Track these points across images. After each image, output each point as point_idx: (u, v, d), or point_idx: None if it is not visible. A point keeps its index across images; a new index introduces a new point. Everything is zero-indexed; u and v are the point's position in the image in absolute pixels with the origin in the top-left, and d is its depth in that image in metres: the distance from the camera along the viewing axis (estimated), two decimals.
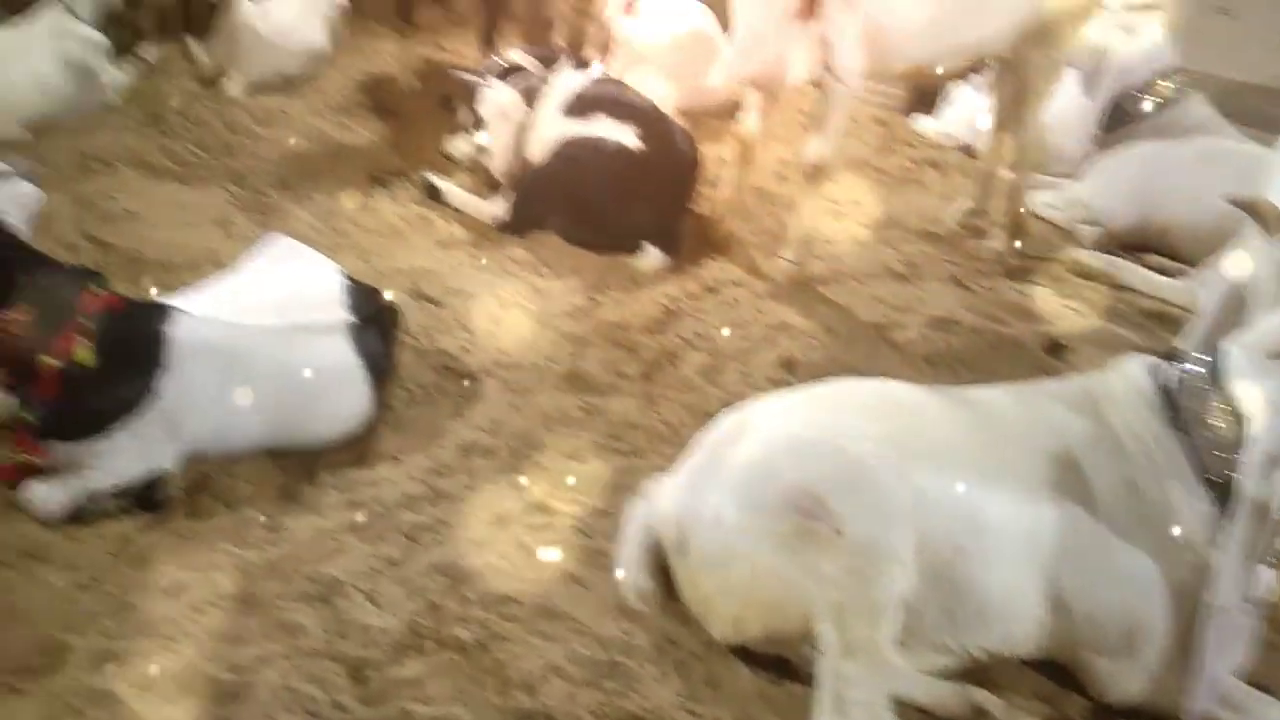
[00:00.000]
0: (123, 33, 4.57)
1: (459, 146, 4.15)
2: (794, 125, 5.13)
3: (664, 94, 4.61)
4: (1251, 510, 1.86)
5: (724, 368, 3.13)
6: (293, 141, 4.20)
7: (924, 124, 5.44)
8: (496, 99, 3.86)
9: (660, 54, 4.86)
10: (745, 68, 3.35)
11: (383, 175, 4.06)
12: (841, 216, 4.32)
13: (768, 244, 3.90)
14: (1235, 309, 2.41)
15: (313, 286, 2.62)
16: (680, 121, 4.65)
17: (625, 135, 3.64)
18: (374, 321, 2.65)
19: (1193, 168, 4.14)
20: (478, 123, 3.92)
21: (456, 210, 3.83)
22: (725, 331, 3.27)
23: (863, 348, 3.31)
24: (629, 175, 3.61)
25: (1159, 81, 4.37)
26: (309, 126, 4.38)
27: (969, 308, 3.65)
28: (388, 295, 2.87)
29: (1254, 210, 2.35)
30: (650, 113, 3.78)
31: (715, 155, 4.44)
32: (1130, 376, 2.15)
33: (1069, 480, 2.05)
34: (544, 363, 3.02)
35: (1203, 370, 2.04)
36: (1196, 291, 3.54)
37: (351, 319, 2.57)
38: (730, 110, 4.33)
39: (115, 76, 4.27)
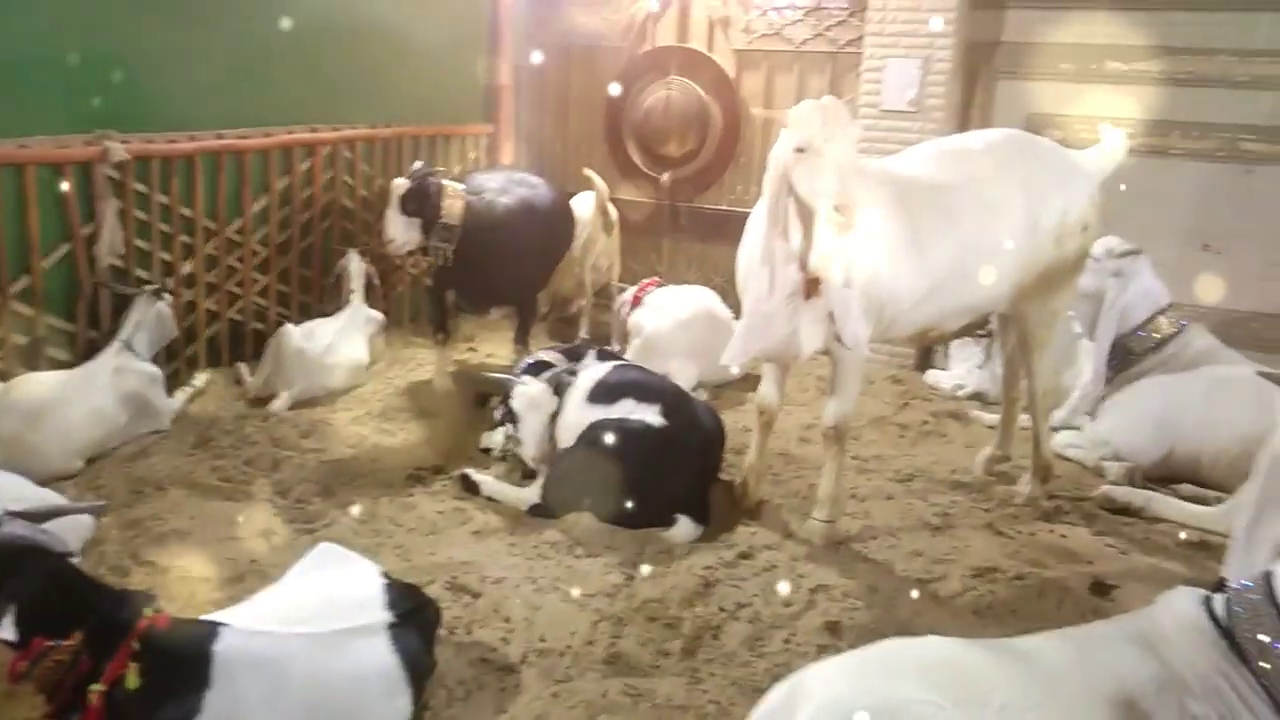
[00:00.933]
0: (177, 363, 4.96)
1: (494, 440, 4.34)
2: (813, 390, 5.35)
3: (683, 373, 4.86)
4: None
5: (768, 637, 3.08)
6: (335, 450, 4.40)
7: (937, 377, 5.63)
8: (527, 393, 4.07)
9: (671, 339, 5.17)
10: (754, 347, 3.53)
11: (421, 474, 4.20)
12: (868, 473, 4.40)
13: (799, 506, 3.95)
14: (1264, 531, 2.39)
15: (353, 589, 2.66)
16: (703, 396, 4.90)
17: (649, 414, 3.80)
18: (413, 619, 2.67)
19: (1207, 395, 4.24)
20: (510, 416, 4.12)
21: (492, 501, 3.94)
22: (765, 599, 3.25)
23: (907, 604, 3.26)
24: (655, 451, 3.73)
25: (1158, 318, 4.57)
26: (351, 434, 4.60)
27: (1009, 554, 3.62)
28: (426, 591, 2.91)
29: None
30: (671, 392, 3.96)
31: (739, 424, 4.62)
32: (1179, 611, 2.09)
33: None
34: (583, 647, 2.98)
35: (1256, 597, 1.99)
36: (1231, 517, 3.50)
37: (391, 618, 2.59)
38: (751, 382, 4.54)
39: (169, 403, 4.55)
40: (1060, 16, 5.70)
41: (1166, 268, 4.76)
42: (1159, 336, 4.53)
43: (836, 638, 3.06)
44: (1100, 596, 3.27)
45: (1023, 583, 3.40)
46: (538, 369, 4.25)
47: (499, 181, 5.17)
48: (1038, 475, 4.08)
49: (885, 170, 3.72)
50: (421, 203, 4.80)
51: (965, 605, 3.28)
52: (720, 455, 4.13)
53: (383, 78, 5.91)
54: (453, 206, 4.85)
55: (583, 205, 6.05)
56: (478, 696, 2.77)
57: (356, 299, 5.45)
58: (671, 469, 3.75)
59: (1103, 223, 3.99)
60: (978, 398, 5.34)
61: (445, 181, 4.93)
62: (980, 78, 5.98)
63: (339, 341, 5.15)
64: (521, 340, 5.35)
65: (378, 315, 5.51)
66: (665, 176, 6.87)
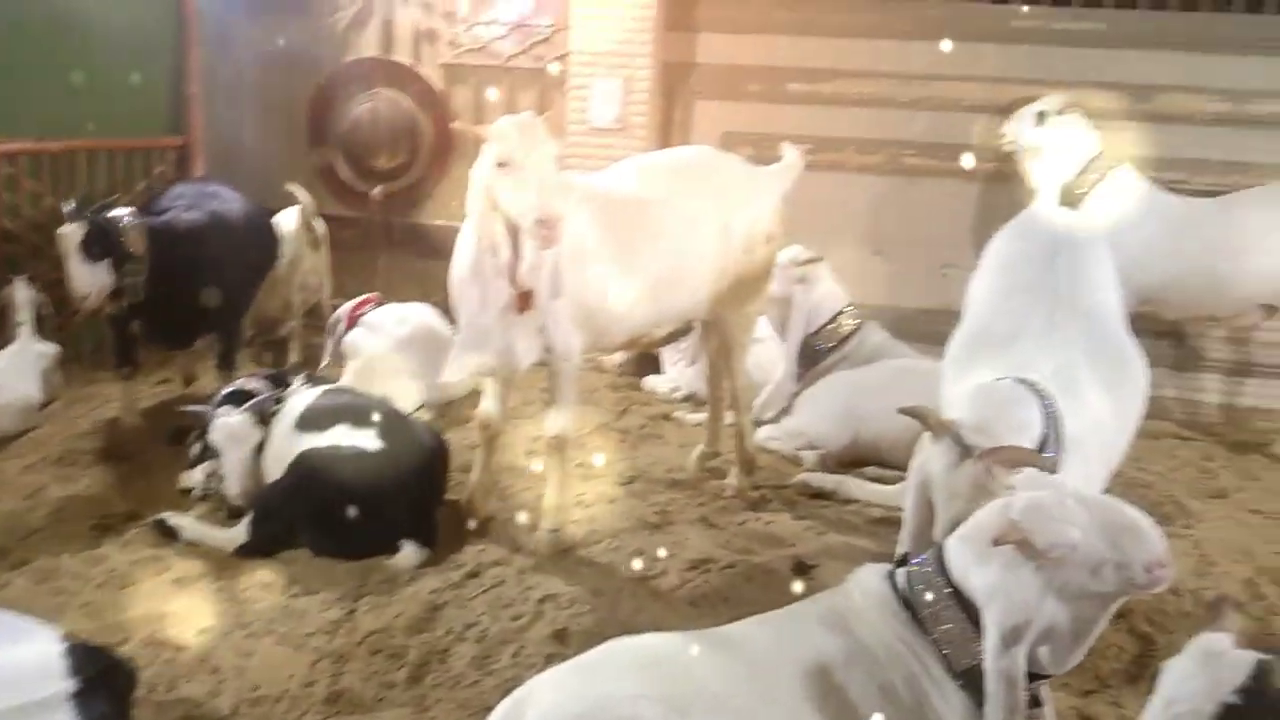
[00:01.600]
0: None
1: (193, 479, 4.04)
2: (538, 403, 5.40)
3: (406, 395, 4.76)
4: (1002, 687, 2.02)
5: (496, 654, 3.08)
6: (7, 503, 3.92)
7: (653, 382, 5.88)
8: (227, 425, 3.82)
9: (392, 360, 5.04)
10: (471, 362, 3.54)
11: (110, 522, 3.83)
12: (593, 479, 4.51)
13: (527, 519, 3.98)
14: (926, 507, 2.70)
15: (25, 659, 2.38)
16: (427, 417, 4.81)
17: (364, 439, 3.69)
18: (101, 684, 2.42)
19: (884, 385, 4.71)
20: (209, 452, 3.85)
21: (195, 545, 3.66)
22: (493, 616, 3.25)
23: (629, 603, 3.38)
24: (373, 477, 3.62)
25: (839, 318, 5.06)
26: (25, 484, 4.12)
27: (721, 545, 3.84)
28: (119, 650, 2.66)
29: (920, 417, 2.70)
30: (387, 414, 3.86)
31: (465, 442, 4.59)
32: (866, 586, 2.31)
33: (829, 698, 2.14)
34: (302, 690, 2.85)
35: (929, 569, 2.23)
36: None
37: (74, 687, 2.34)
38: (472, 398, 4.52)
39: None
40: (747, 40, 6.14)
41: (844, 272, 5.26)
42: (841, 335, 5.02)
43: (564, 645, 3.11)
44: (801, 576, 3.54)
45: (734, 570, 3.62)
46: (238, 399, 3.98)
47: (186, 198, 4.81)
48: (743, 468, 4.36)
49: (590, 186, 3.84)
50: (106, 242, 4.28)
51: (683, 598, 3.45)
52: (444, 475, 4.07)
53: (50, 82, 5.32)
54: (134, 234, 4.41)
55: (287, 221, 5.77)
56: None
57: (26, 331, 4.87)
58: (392, 494, 3.65)
59: (786, 233, 4.34)
60: (692, 399, 5.63)
61: (120, 209, 4.48)
62: (679, 97, 6.32)
63: (6, 380, 4.60)
64: (226, 367, 4.98)
65: (51, 349, 4.95)
66: (377, 190, 6.70)
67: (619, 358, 5.93)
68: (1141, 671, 3.06)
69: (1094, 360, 2.99)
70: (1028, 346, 2.97)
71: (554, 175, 3.28)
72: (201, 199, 4.84)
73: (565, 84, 6.13)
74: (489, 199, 3.33)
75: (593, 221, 3.65)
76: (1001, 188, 5.70)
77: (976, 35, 5.87)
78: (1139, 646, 3.19)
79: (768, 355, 5.14)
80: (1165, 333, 5.92)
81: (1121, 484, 3.42)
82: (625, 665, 2.21)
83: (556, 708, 2.08)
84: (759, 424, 4.84)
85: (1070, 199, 5.42)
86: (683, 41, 6.20)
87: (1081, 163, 5.40)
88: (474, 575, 3.55)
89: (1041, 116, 5.46)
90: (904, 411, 2.73)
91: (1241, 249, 5.11)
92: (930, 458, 2.61)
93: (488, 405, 3.90)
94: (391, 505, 3.63)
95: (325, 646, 3.05)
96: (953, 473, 2.54)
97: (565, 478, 3.85)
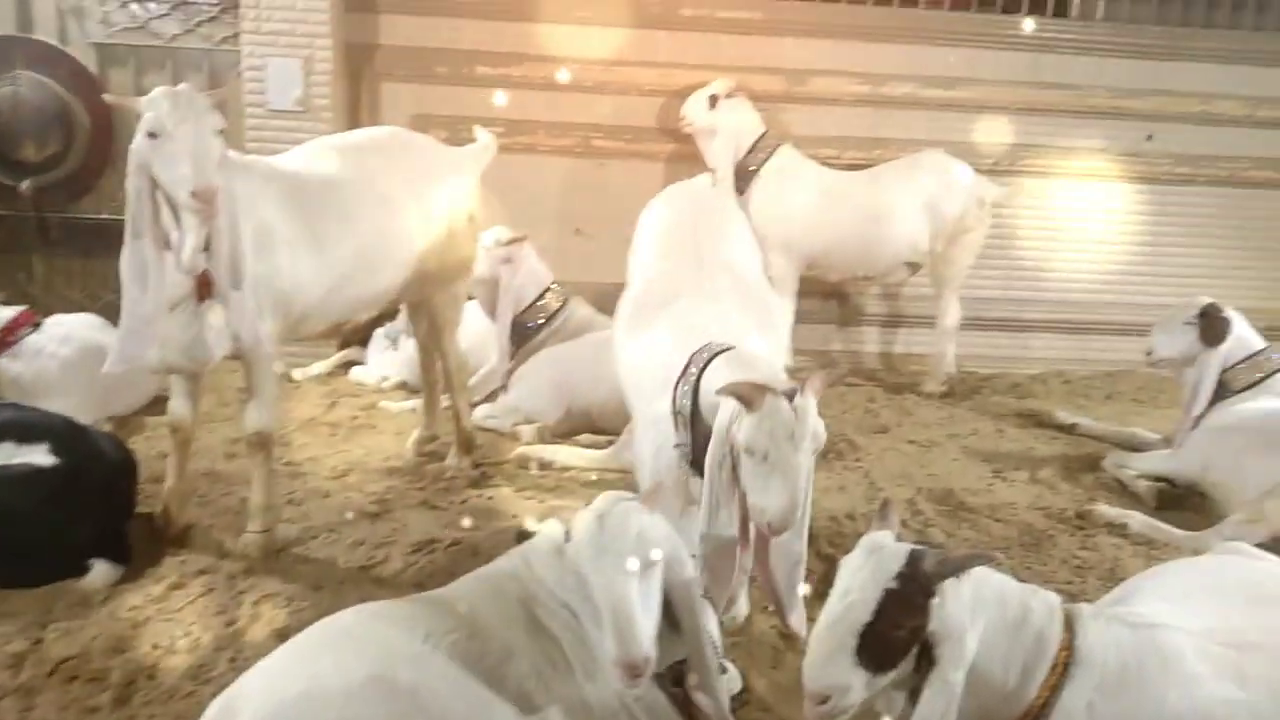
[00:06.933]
0: None
1: None
2: (235, 404, 5.11)
3: (83, 413, 4.30)
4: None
5: (212, 661, 2.92)
6: None
7: (361, 372, 5.76)
8: None
9: (60, 384, 4.54)
10: (136, 352, 3.25)
11: None
12: (302, 475, 4.35)
13: (231, 523, 3.78)
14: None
15: None
16: (105, 426, 4.41)
17: (36, 455, 3.33)
18: None
19: (592, 358, 4.91)
20: None
21: None
22: (205, 624, 3.08)
23: (354, 593, 3.31)
24: (51, 495, 3.28)
25: (546, 295, 5.21)
26: None
27: (444, 525, 3.86)
28: None
29: (737, 394, 2.53)
30: (61, 426, 3.50)
31: (155, 451, 4.26)
32: (547, 534, 2.46)
33: (536, 636, 2.27)
34: None
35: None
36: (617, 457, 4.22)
37: None
38: (160, 403, 4.20)
39: None
40: (431, 23, 6.11)
41: (547, 251, 5.42)
42: (549, 312, 5.17)
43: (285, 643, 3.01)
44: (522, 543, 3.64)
45: (458, 548, 3.66)
46: None
47: None
48: (462, 448, 4.40)
49: (274, 167, 3.69)
50: None
51: (408, 580, 3.44)
52: (133, 487, 3.75)
53: None
54: None
55: None
56: None
57: None
58: (74, 511, 3.33)
59: (487, 214, 4.41)
60: (404, 386, 5.56)
61: None
62: (365, 79, 6.17)
63: None
64: None
65: None
66: (25, 184, 5.99)
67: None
68: (829, 588, 3.44)
69: (744, 308, 3.28)
70: (687, 303, 3.22)
71: (212, 147, 3.13)
72: None
73: (239, 65, 5.79)
74: (146, 175, 3.12)
75: (280, 203, 3.51)
76: (684, 167, 6.08)
77: (650, 23, 6.22)
78: (825, 566, 3.58)
79: (479, 336, 5.20)
80: (831, 293, 6.64)
81: None
82: (333, 640, 2.21)
83: (271, 694, 2.05)
84: (475, 404, 4.88)
85: (743, 176, 5.92)
86: (365, 23, 6.06)
87: (750, 142, 5.91)
88: (178, 587, 3.33)
89: (713, 100, 5.90)
90: (721, 392, 2.59)
91: (887, 215, 5.83)
92: (751, 425, 2.49)
93: (177, 406, 3.63)
94: (75, 522, 3.31)
95: (9, 683, 2.74)
96: (784, 420, 2.46)
97: (271, 476, 3.68)
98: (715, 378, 2.74)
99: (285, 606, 3.22)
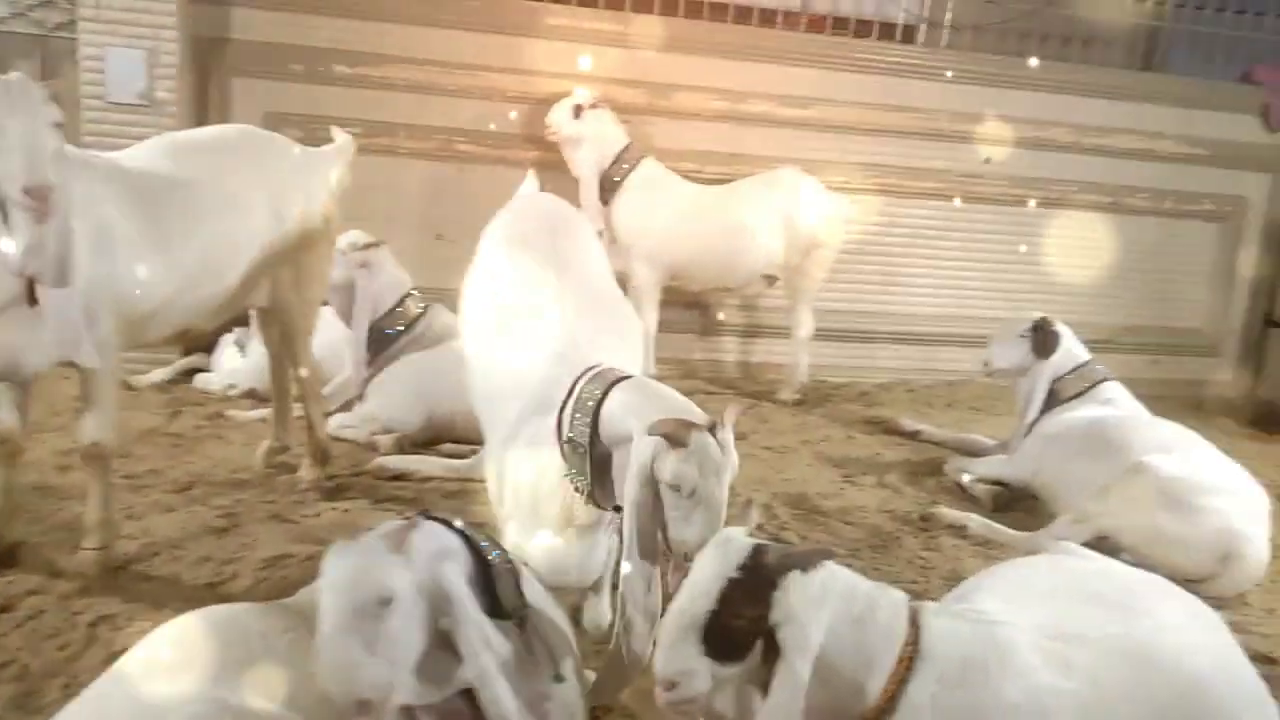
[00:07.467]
0: None
1: None
2: (68, 413, 4.80)
3: None
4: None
5: (42, 689, 2.74)
6: None
7: (206, 380, 5.50)
8: None
9: None
10: None
11: None
12: (144, 489, 4.13)
13: (64, 540, 3.55)
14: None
15: None
16: None
17: None
18: None
19: (454, 366, 4.83)
20: None
21: None
22: (33, 650, 2.88)
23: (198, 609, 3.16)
24: None
25: (405, 302, 5.09)
26: None
27: (296, 539, 3.73)
28: None
29: (669, 437, 2.50)
30: None
31: None
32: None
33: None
34: None
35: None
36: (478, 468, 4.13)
37: None
38: None
39: None
40: (286, 18, 5.90)
41: (407, 256, 5.30)
42: (409, 318, 5.05)
43: None
44: None
45: (313, 562, 3.48)
46: None
47: None
48: (316, 459, 4.25)
49: (114, 163, 3.49)
50: None
51: (259, 597, 3.26)
52: None
53: None
54: None
55: None
56: None
57: None
58: None
59: (343, 217, 4.28)
60: (253, 394, 5.34)
61: None
62: (214, 74, 5.91)
63: None
64: None
65: None
66: None
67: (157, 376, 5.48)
68: None
69: (607, 320, 3.26)
70: (552, 314, 3.10)
71: (48, 141, 2.94)
72: None
73: (75, 54, 5.45)
74: None
75: (119, 202, 3.31)
76: (548, 175, 6.05)
77: (515, 30, 6.20)
78: None
79: (334, 343, 5.04)
80: (692, 304, 6.76)
81: None
82: (163, 657, 2.10)
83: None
84: (330, 413, 4.73)
85: (608, 187, 5.97)
86: (215, 15, 5.80)
87: (614, 152, 5.96)
88: (5, 609, 3.11)
89: (578, 110, 5.93)
90: (652, 433, 2.52)
91: (746, 229, 5.99)
92: (678, 462, 2.48)
93: (4, 416, 3.37)
94: None
95: None
96: (713, 456, 2.48)
97: (109, 490, 3.47)
98: (619, 410, 2.69)
99: (124, 628, 3.04)
